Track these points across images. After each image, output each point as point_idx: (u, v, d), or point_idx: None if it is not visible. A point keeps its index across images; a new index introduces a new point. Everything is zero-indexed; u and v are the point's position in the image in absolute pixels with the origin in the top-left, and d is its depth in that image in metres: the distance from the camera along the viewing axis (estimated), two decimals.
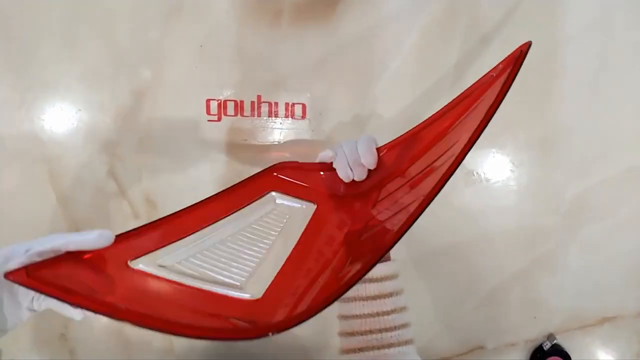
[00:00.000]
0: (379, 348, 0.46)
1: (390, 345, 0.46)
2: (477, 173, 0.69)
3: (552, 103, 0.66)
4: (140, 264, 0.43)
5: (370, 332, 0.46)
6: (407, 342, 0.47)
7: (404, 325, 0.47)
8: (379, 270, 0.47)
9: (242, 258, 0.46)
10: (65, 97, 0.66)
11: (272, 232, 0.48)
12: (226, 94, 0.66)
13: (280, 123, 0.67)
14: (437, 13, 0.64)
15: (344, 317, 0.49)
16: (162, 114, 0.66)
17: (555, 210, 0.70)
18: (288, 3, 0.64)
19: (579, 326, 0.75)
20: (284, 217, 0.49)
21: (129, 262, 0.42)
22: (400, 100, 0.67)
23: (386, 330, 0.46)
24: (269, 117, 0.66)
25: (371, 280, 0.47)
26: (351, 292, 0.46)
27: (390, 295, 0.47)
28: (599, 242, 0.72)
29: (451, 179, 0.69)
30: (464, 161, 0.68)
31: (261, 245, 0.47)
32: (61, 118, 0.66)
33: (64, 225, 0.69)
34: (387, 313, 0.47)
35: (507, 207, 0.70)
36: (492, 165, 0.69)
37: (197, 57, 0.65)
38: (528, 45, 0.46)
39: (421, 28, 0.65)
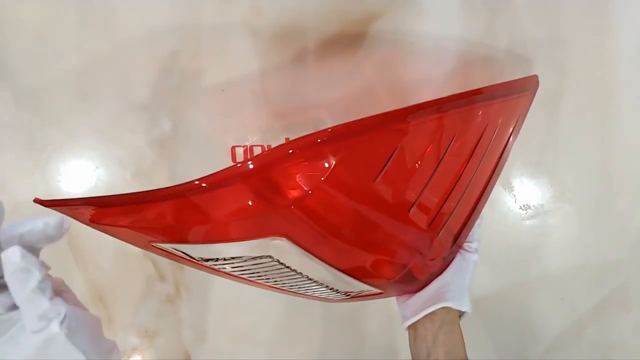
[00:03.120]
0: None
1: None
2: (534, 206, 0.62)
3: (610, 125, 0.60)
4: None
5: None
6: None
7: None
8: None
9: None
10: (81, 154, 0.62)
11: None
12: (252, 139, 0.61)
13: None
14: (472, 41, 0.59)
15: None
16: (185, 165, 0.61)
17: (623, 240, 0.63)
18: (312, 38, 0.60)
19: None
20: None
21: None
22: None
23: None
24: None
25: None
26: None
27: None
28: None
29: (506, 214, 0.64)
30: (518, 194, 0.62)
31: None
32: (78, 177, 0.62)
33: (86, 291, 0.64)
34: None
35: (570, 241, 0.63)
36: (549, 197, 0.62)
37: (219, 103, 0.60)
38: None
39: (455, 57, 0.60)
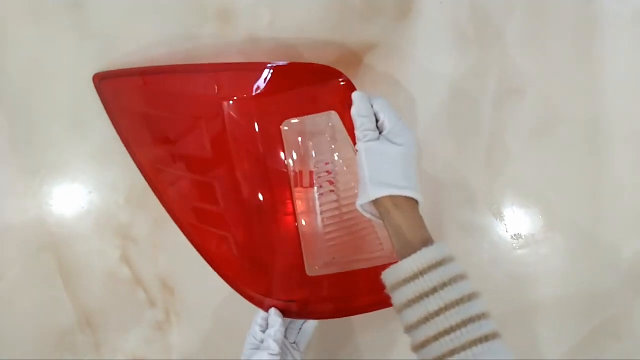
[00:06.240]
0: (459, 351, 0.38)
1: (472, 344, 0.38)
2: (525, 236, 0.62)
3: (599, 156, 0.61)
4: None
5: (444, 333, 0.39)
6: (490, 337, 0.38)
7: (480, 316, 0.39)
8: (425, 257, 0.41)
9: None
10: (75, 178, 0.62)
11: None
12: None
13: None
14: (463, 72, 0.61)
15: (408, 329, 0.41)
16: None
17: (613, 271, 0.64)
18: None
19: None
20: None
21: None
22: (435, 159, 0.62)
23: (459, 326, 0.38)
24: None
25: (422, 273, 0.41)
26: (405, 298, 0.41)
27: (450, 283, 0.40)
28: None
29: (498, 243, 0.64)
30: (509, 224, 0.63)
31: None
32: (70, 201, 0.62)
33: (74, 318, 0.63)
34: (454, 305, 0.39)
35: (561, 271, 0.63)
36: (540, 226, 0.62)
37: None
38: None
39: (447, 88, 0.61)
